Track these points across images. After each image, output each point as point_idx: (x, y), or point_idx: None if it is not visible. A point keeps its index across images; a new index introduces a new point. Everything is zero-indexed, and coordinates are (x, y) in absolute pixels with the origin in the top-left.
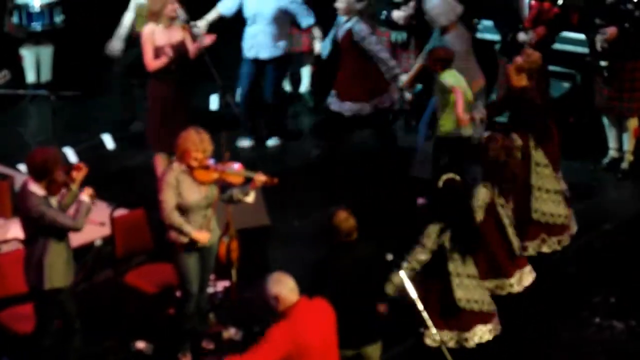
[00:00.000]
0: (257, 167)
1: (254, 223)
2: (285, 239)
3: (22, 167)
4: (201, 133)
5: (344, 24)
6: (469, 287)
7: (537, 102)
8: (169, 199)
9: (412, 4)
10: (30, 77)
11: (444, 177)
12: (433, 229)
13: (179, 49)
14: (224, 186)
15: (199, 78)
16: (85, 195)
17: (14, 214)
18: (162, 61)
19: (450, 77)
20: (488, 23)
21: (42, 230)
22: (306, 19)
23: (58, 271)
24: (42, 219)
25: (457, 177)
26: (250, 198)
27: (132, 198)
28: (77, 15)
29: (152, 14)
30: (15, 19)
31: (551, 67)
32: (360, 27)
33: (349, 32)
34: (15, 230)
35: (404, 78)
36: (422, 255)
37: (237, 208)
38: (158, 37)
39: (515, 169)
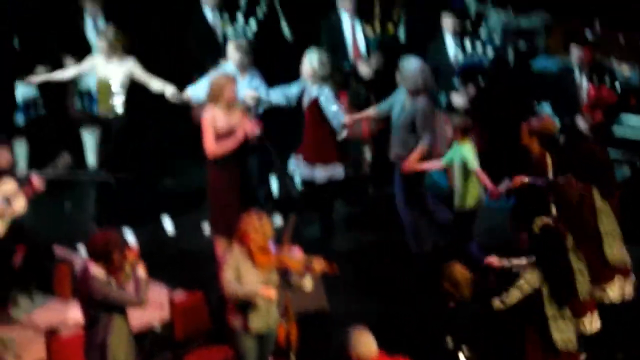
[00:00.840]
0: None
1: (313, 307)
2: (343, 323)
3: (81, 248)
4: (262, 217)
5: (310, 87)
6: (564, 330)
7: (598, 156)
8: (228, 275)
9: (471, 88)
10: (91, 159)
11: (539, 222)
12: (532, 275)
13: (240, 133)
14: (283, 271)
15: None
16: (141, 270)
17: (73, 296)
18: (224, 146)
19: (470, 152)
20: (546, 107)
21: (104, 311)
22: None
23: (121, 351)
24: (107, 300)
25: (551, 222)
26: (308, 283)
27: (189, 280)
28: (136, 100)
29: (212, 97)
30: (77, 104)
31: (611, 153)
32: (326, 91)
33: (316, 98)
34: (74, 312)
35: (344, 134)
36: (517, 293)
37: (296, 292)
38: (219, 120)
39: (587, 214)
